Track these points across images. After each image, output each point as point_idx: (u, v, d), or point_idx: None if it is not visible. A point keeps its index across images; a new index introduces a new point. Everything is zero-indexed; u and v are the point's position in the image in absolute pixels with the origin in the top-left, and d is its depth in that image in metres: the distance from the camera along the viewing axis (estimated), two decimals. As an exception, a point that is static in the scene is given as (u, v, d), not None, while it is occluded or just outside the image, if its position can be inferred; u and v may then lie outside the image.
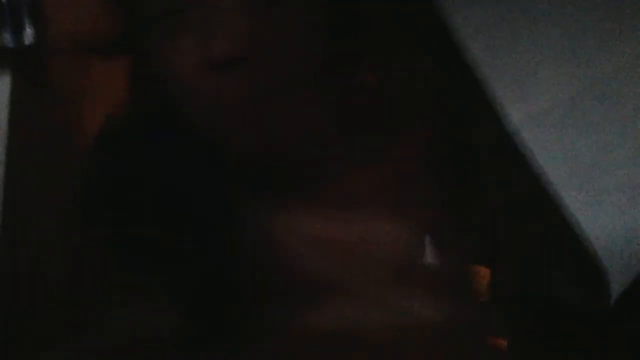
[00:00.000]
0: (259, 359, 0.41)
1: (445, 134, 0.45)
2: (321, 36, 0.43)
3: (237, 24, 0.39)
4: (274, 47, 0.40)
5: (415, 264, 0.41)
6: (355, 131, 0.44)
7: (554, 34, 0.45)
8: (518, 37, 0.45)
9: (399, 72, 0.49)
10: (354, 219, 0.42)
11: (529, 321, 0.72)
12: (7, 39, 0.44)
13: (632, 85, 0.47)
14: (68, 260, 0.41)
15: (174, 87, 0.41)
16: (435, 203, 0.43)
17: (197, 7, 0.39)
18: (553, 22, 0.46)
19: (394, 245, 0.41)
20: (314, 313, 0.40)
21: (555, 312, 0.60)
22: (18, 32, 0.44)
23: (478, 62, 0.42)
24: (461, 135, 0.45)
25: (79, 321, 0.40)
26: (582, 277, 0.49)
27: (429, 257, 0.41)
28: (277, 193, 0.42)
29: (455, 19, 0.43)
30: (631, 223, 0.46)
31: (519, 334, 0.76)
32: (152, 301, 0.41)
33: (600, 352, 0.57)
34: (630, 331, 0.50)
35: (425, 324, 0.41)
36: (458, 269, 0.44)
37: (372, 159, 0.43)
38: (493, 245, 0.67)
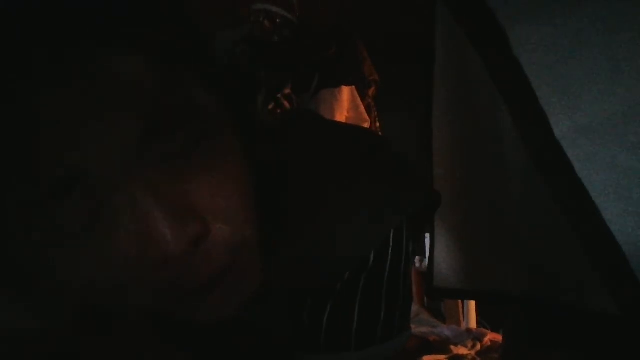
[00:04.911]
0: None
1: None
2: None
3: None
4: None
5: None
6: None
7: (604, 56, 0.45)
8: (573, 55, 0.45)
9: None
10: None
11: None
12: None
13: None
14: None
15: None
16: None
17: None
18: (603, 45, 0.45)
19: None
20: None
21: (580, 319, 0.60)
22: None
23: (532, 74, 0.42)
24: None
25: None
26: (613, 285, 0.49)
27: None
28: None
29: (515, 33, 0.43)
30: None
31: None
32: None
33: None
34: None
35: None
36: None
37: None
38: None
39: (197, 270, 0.34)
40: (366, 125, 1.88)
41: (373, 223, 0.42)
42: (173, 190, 0.32)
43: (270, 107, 1.78)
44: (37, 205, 0.30)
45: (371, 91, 1.95)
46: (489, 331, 1.88)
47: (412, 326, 0.50)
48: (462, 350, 1.72)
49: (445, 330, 1.88)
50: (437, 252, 0.85)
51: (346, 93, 1.85)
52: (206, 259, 0.33)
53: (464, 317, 2.11)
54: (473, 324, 2.07)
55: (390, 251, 0.44)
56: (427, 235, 1.24)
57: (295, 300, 0.44)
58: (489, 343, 1.76)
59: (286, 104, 1.80)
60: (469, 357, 1.68)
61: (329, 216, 0.42)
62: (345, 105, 1.86)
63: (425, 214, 0.49)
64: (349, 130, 0.51)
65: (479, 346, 1.75)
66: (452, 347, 1.73)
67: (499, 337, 1.76)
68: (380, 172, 0.44)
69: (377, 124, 2.02)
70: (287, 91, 1.81)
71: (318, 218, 0.42)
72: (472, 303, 2.07)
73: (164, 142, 0.32)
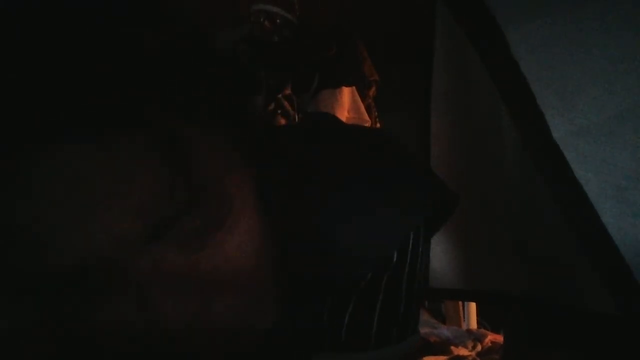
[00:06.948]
0: None
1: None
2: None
3: None
4: None
5: None
6: None
7: (603, 57, 0.45)
8: (571, 56, 0.45)
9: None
10: None
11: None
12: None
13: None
14: None
15: None
16: None
17: None
18: (603, 45, 0.46)
19: None
20: None
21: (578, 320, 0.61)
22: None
23: (531, 74, 0.42)
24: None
25: None
26: (612, 285, 0.50)
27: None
28: None
29: (515, 33, 0.43)
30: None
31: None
32: None
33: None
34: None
35: None
36: None
37: None
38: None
39: (201, 341, 0.34)
40: (367, 125, 1.88)
41: (397, 223, 0.44)
42: (181, 267, 0.33)
43: (270, 108, 1.78)
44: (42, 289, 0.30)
45: (371, 91, 1.95)
46: (490, 332, 1.88)
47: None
48: (462, 351, 1.72)
49: (446, 331, 1.87)
50: (437, 253, 0.86)
51: (346, 94, 1.85)
52: (209, 330, 0.34)
53: (464, 317, 2.11)
54: (473, 324, 2.06)
55: (410, 251, 0.45)
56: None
57: (317, 299, 0.45)
58: (490, 344, 1.76)
59: (286, 104, 1.80)
60: (470, 358, 1.67)
61: (355, 216, 0.43)
62: (346, 106, 1.86)
63: (442, 215, 0.50)
64: (370, 133, 0.52)
65: (479, 347, 1.75)
66: (453, 347, 1.73)
67: (499, 338, 1.75)
68: (403, 174, 0.46)
69: (378, 124, 2.02)
70: (287, 91, 1.81)
71: (344, 218, 0.43)
72: (473, 304, 2.07)
73: (176, 226, 0.32)
